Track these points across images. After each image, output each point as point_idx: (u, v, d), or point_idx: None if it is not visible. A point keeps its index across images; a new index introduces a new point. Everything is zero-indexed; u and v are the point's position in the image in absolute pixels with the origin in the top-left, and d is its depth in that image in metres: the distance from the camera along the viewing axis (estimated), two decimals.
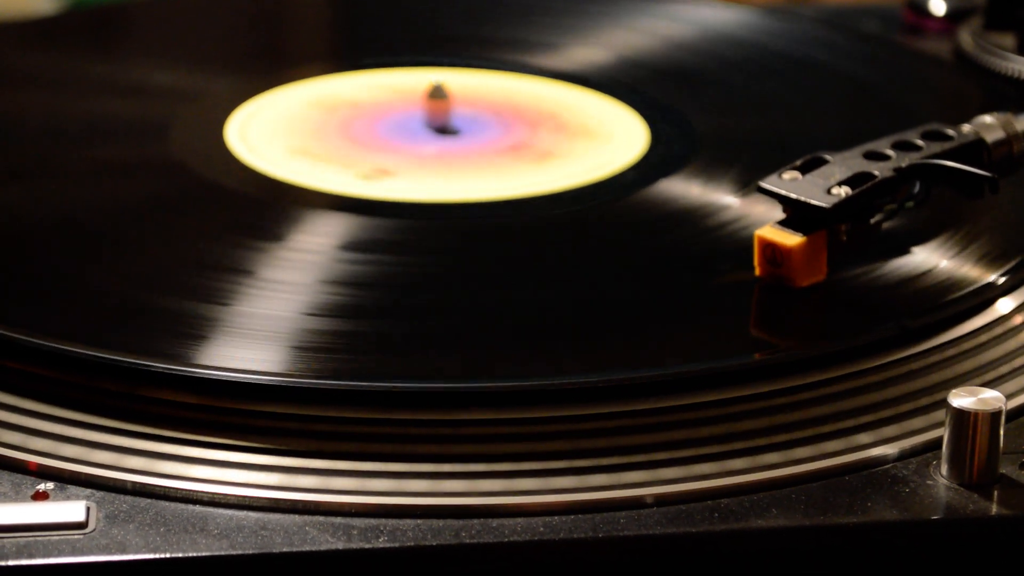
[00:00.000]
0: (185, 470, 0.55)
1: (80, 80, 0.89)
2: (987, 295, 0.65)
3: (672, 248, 0.70)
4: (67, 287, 0.65)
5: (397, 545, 0.52)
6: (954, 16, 1.02)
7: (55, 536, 0.52)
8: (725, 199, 0.74)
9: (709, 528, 0.53)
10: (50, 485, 0.54)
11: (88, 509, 0.53)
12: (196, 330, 0.61)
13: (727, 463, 0.56)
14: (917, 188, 0.67)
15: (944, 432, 0.55)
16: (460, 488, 0.54)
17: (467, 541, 0.52)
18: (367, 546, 0.52)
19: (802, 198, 0.64)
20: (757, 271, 0.65)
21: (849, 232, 0.65)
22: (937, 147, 0.68)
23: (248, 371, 0.58)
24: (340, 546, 0.52)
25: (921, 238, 0.69)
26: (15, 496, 0.54)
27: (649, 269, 0.68)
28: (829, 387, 0.59)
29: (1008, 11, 0.94)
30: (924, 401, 0.59)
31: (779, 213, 0.65)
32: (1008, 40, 0.93)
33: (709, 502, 0.54)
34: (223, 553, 0.51)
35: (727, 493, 0.54)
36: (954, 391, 0.55)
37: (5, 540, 0.51)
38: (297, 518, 0.53)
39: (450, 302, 0.65)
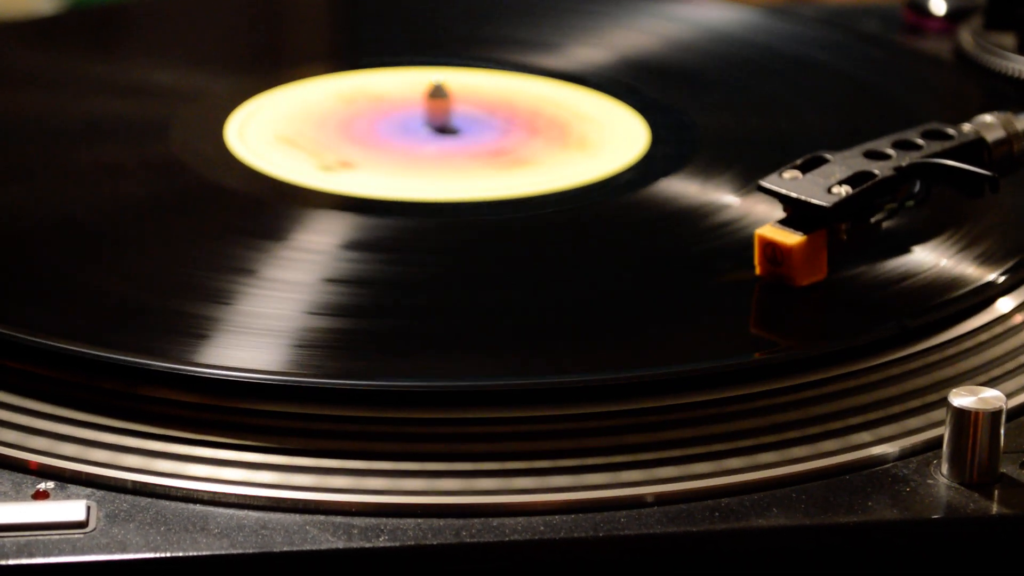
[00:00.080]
0: (185, 469, 0.55)
1: (80, 80, 0.89)
2: (987, 294, 0.65)
3: (672, 248, 0.70)
4: (67, 287, 0.65)
5: (397, 544, 0.52)
6: (954, 16, 1.02)
7: (55, 535, 0.52)
8: (725, 198, 0.74)
9: (709, 527, 0.53)
10: (50, 484, 0.54)
11: (88, 508, 0.53)
12: (196, 329, 0.61)
13: (728, 462, 0.56)
14: (917, 187, 0.67)
15: (944, 431, 0.55)
16: (460, 487, 0.54)
17: (467, 540, 0.52)
18: (367, 545, 0.52)
19: (802, 197, 0.64)
20: (757, 270, 0.65)
21: (849, 231, 0.65)
22: (937, 146, 0.68)
23: (248, 370, 0.58)
24: (340, 545, 0.52)
25: (921, 237, 0.69)
26: (15, 495, 0.54)
27: (649, 268, 0.68)
28: (830, 386, 0.59)
29: (1008, 11, 0.94)
30: (924, 400, 0.59)
31: (779, 212, 0.65)
32: (1008, 40, 0.93)
33: (710, 501, 0.54)
34: (223, 552, 0.51)
35: (728, 492, 0.54)
36: (954, 390, 0.55)
37: (5, 539, 0.51)
38: (298, 517, 0.53)
39: (450, 301, 0.65)
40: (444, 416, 0.57)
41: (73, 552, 0.51)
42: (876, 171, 0.65)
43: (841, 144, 0.68)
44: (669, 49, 0.95)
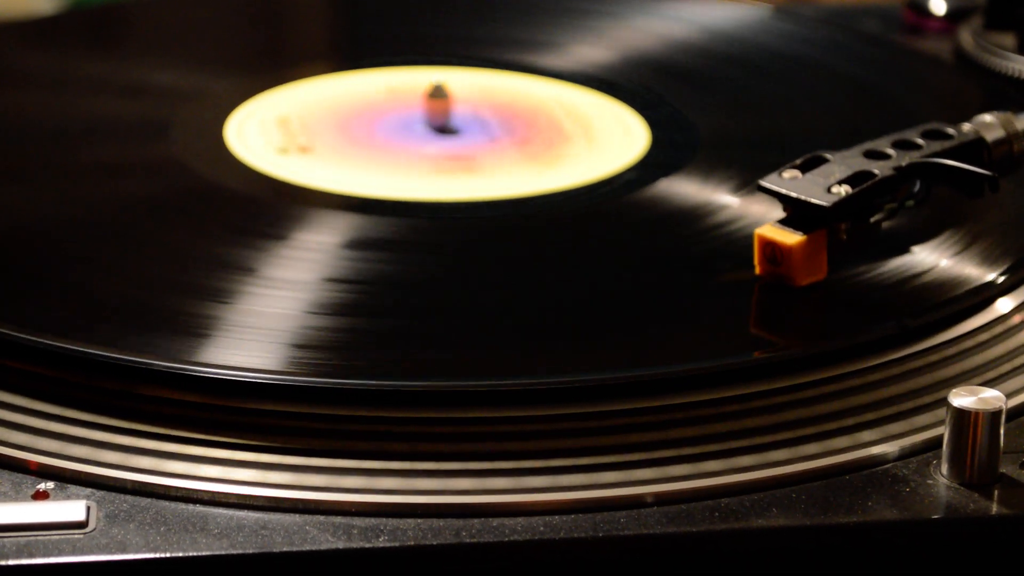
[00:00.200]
0: (186, 469, 0.55)
1: (80, 80, 0.89)
2: (987, 294, 0.65)
3: (672, 247, 0.70)
4: (67, 286, 0.65)
5: (397, 545, 0.52)
6: (954, 16, 1.02)
7: (55, 535, 0.52)
8: (725, 198, 0.74)
9: (710, 527, 0.53)
10: (50, 484, 0.54)
11: (88, 508, 0.53)
12: (196, 329, 0.61)
13: (728, 462, 0.56)
14: (917, 187, 0.67)
15: (944, 431, 0.55)
16: (461, 487, 0.54)
17: (467, 541, 0.52)
18: (367, 545, 0.52)
19: (802, 197, 0.64)
20: (757, 270, 0.65)
21: (849, 231, 0.65)
22: (937, 146, 0.68)
23: (248, 370, 0.58)
24: (341, 545, 0.52)
25: (921, 237, 0.69)
26: (15, 496, 0.54)
27: (649, 268, 0.68)
28: (829, 386, 0.59)
29: (1008, 10, 0.94)
30: (924, 400, 0.59)
31: (779, 212, 0.65)
32: (1008, 40, 0.93)
33: (709, 501, 0.54)
34: (223, 552, 0.51)
35: (728, 492, 0.54)
36: (954, 390, 0.55)
37: (5, 539, 0.51)
38: (298, 518, 0.53)
39: (450, 301, 0.65)
40: (444, 416, 0.57)
41: (73, 552, 0.51)
42: (876, 171, 0.65)
43: (841, 144, 0.68)
44: (669, 49, 0.95)
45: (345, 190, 0.75)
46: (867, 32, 1.03)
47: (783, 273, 0.64)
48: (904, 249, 0.68)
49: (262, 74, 0.90)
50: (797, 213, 0.64)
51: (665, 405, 0.58)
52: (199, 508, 0.53)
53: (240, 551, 0.51)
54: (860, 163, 0.66)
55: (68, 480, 0.54)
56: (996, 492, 0.55)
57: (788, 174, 0.65)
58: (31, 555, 0.51)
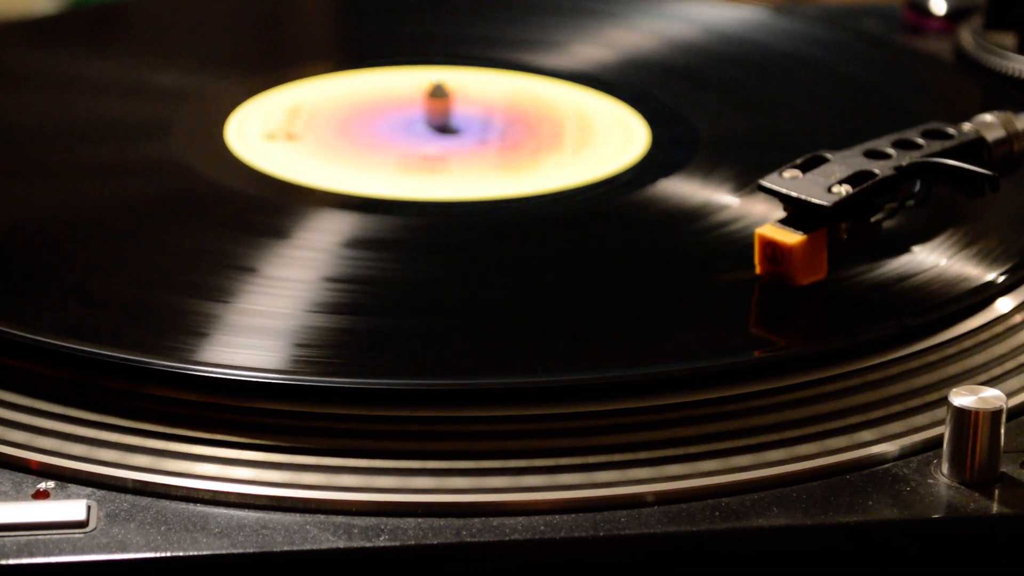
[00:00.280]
0: (186, 468, 0.55)
1: (80, 80, 0.89)
2: (987, 293, 0.65)
3: (672, 247, 0.70)
4: (67, 286, 0.65)
5: (398, 544, 0.52)
6: (955, 15, 1.02)
7: (56, 535, 0.52)
8: (725, 198, 0.74)
9: (710, 527, 0.53)
10: (51, 484, 0.54)
11: (89, 508, 0.53)
12: (197, 327, 0.61)
13: (728, 461, 0.56)
14: (918, 187, 0.67)
15: (945, 431, 0.55)
16: (461, 486, 0.54)
17: (468, 540, 0.52)
18: (368, 545, 0.52)
19: (803, 196, 0.64)
20: (758, 269, 0.65)
21: (850, 230, 0.65)
22: (938, 145, 0.68)
23: (250, 368, 0.58)
24: (341, 545, 0.52)
25: (921, 237, 0.69)
26: (16, 495, 0.54)
27: (649, 268, 0.68)
28: (829, 385, 0.59)
29: (1008, 10, 0.94)
30: (925, 400, 0.59)
31: (780, 212, 0.65)
32: (1008, 39, 0.93)
33: (710, 501, 0.54)
34: (224, 552, 0.51)
35: (728, 491, 0.54)
36: (955, 390, 0.55)
37: (6, 539, 0.51)
38: (298, 517, 0.53)
39: (450, 300, 0.65)
40: (444, 415, 0.57)
41: (73, 552, 0.51)
42: (876, 170, 0.65)
43: (841, 144, 0.68)
44: (669, 49, 0.95)
45: (345, 190, 0.75)
46: (867, 32, 1.03)
47: (783, 273, 0.64)
48: (904, 249, 0.68)
49: (262, 74, 0.90)
50: (797, 213, 0.64)
51: (666, 404, 0.58)
52: (199, 507, 0.53)
53: (240, 550, 0.51)
54: (860, 163, 0.66)
55: (68, 479, 0.54)
56: (997, 492, 0.54)
57: (788, 174, 0.65)
58: (31, 554, 0.51)
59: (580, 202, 0.74)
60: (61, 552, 0.51)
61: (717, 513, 0.53)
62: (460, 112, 0.84)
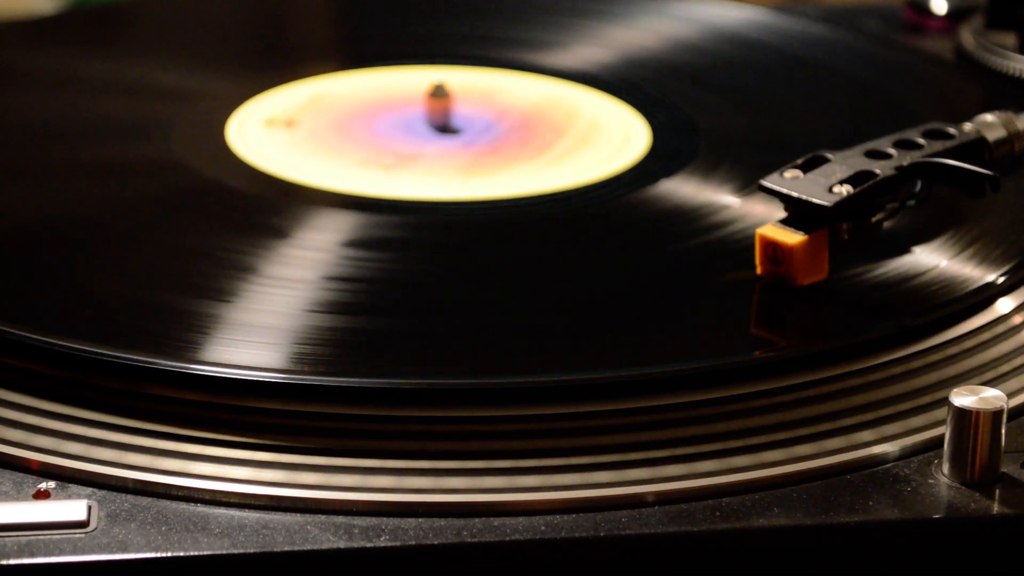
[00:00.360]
0: (186, 468, 0.55)
1: (80, 80, 0.89)
2: (988, 294, 0.65)
3: (673, 248, 0.70)
4: (67, 285, 0.65)
5: (398, 544, 0.52)
6: (955, 15, 1.02)
7: (56, 535, 0.52)
8: (726, 198, 0.74)
9: (711, 527, 0.53)
10: (51, 484, 0.54)
11: (89, 508, 0.53)
12: (198, 327, 0.61)
13: (729, 461, 0.56)
14: (918, 187, 0.67)
15: (945, 431, 0.55)
16: (461, 486, 0.54)
17: (468, 540, 0.52)
18: (369, 545, 0.52)
19: (803, 196, 0.64)
20: (758, 270, 0.65)
21: (850, 231, 0.65)
22: (939, 145, 0.68)
23: (251, 368, 0.58)
24: (342, 545, 0.52)
25: (922, 237, 0.69)
26: (16, 495, 0.54)
27: (650, 268, 0.68)
28: (830, 385, 0.59)
29: (1009, 10, 0.94)
30: (925, 400, 0.59)
31: (780, 212, 0.65)
32: (1009, 39, 0.93)
33: (711, 501, 0.54)
34: (224, 552, 0.51)
35: (729, 492, 0.54)
36: (955, 390, 0.55)
37: (6, 539, 0.51)
38: (299, 517, 0.53)
39: (451, 300, 0.65)
40: (444, 415, 0.57)
41: (74, 552, 0.51)
42: (877, 171, 0.65)
43: (842, 144, 0.68)
44: (670, 48, 0.95)
45: (345, 189, 0.75)
46: (868, 32, 1.03)
47: (784, 273, 0.64)
48: (905, 249, 0.68)
49: (263, 74, 0.90)
50: (798, 213, 0.64)
51: (667, 404, 0.58)
52: (200, 508, 0.53)
53: (241, 550, 0.51)
54: (861, 163, 0.66)
55: (69, 479, 0.54)
56: (997, 492, 0.54)
57: (789, 174, 0.65)
58: (32, 554, 0.51)
59: (580, 202, 0.74)
60: (62, 552, 0.51)
61: (718, 513, 0.53)
62: (460, 112, 0.84)
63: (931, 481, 0.55)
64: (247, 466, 0.55)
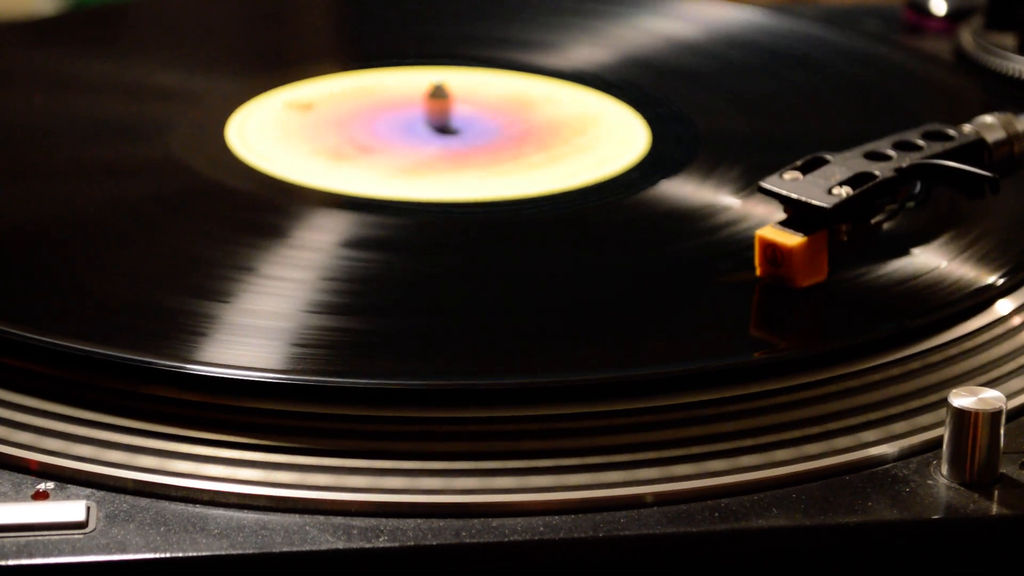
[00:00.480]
0: (185, 468, 0.55)
1: (80, 80, 0.89)
2: (987, 295, 0.65)
3: (672, 248, 0.70)
4: (67, 285, 0.65)
5: (397, 545, 0.52)
6: (955, 16, 1.02)
7: (55, 536, 0.52)
8: (726, 199, 0.74)
9: (710, 528, 0.53)
10: (50, 485, 0.54)
11: (88, 509, 0.53)
12: (198, 327, 0.61)
13: (729, 461, 0.56)
14: (918, 188, 0.67)
15: (944, 432, 0.55)
16: (461, 487, 0.54)
17: (467, 541, 0.52)
18: (367, 546, 0.52)
19: (803, 198, 0.64)
20: (758, 271, 0.65)
21: (850, 232, 0.65)
22: (938, 147, 0.68)
23: (249, 368, 0.58)
24: (340, 546, 0.52)
25: (922, 238, 0.69)
26: (15, 496, 0.54)
27: (649, 269, 0.68)
28: (829, 386, 0.59)
29: (1009, 11, 0.94)
30: (924, 401, 0.59)
31: (780, 213, 0.65)
32: (1009, 40, 0.93)
33: (709, 502, 0.54)
34: (223, 553, 0.51)
35: (728, 492, 0.54)
36: (954, 391, 0.55)
37: (5, 540, 0.51)
38: (297, 518, 0.53)
39: (450, 301, 0.65)
40: (444, 415, 0.57)
41: (73, 553, 0.51)
42: (876, 172, 0.65)
43: (841, 145, 0.68)
44: (670, 49, 0.95)
45: (344, 190, 0.75)
46: (867, 32, 1.03)
47: (784, 275, 0.64)
48: (904, 251, 0.68)
49: (263, 74, 0.90)
50: (798, 214, 0.64)
51: (665, 405, 0.58)
52: (199, 508, 0.53)
53: (240, 551, 0.51)
54: (861, 164, 0.66)
55: (68, 480, 0.54)
56: (996, 492, 0.55)
57: (789, 175, 0.65)
58: (31, 555, 0.51)
59: (580, 203, 0.74)
60: (60, 553, 0.51)
61: (717, 514, 0.54)
62: (460, 112, 0.84)
63: (930, 482, 0.55)
64: (246, 467, 0.55)
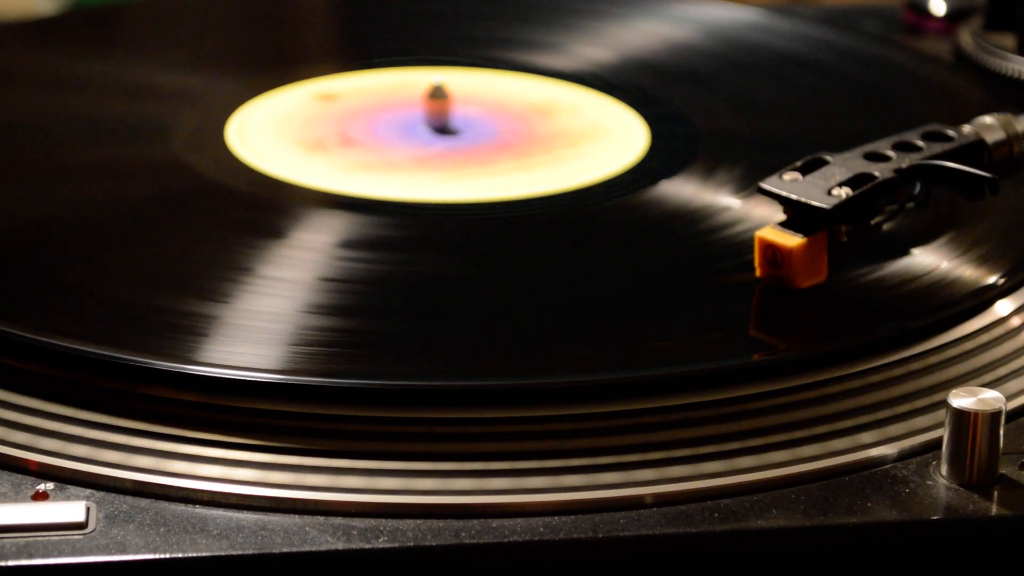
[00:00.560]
0: (185, 469, 0.55)
1: (80, 80, 0.89)
2: (987, 296, 0.65)
3: (672, 249, 0.70)
4: (66, 285, 0.65)
5: (397, 545, 0.52)
6: (954, 16, 1.02)
7: (55, 536, 0.52)
8: (725, 200, 0.74)
9: (709, 528, 0.53)
10: (50, 485, 0.54)
11: (88, 509, 0.53)
12: (197, 328, 0.61)
13: (729, 462, 0.56)
14: (917, 189, 0.67)
15: (944, 432, 0.55)
16: (460, 487, 0.54)
17: (467, 541, 0.52)
18: (367, 546, 0.52)
19: (802, 199, 0.64)
20: (757, 272, 0.65)
21: (850, 233, 0.65)
22: (937, 148, 0.68)
23: (248, 368, 0.58)
24: (340, 546, 0.52)
25: (921, 239, 0.69)
26: (15, 496, 0.54)
27: (649, 269, 0.68)
28: (829, 387, 0.59)
29: (1008, 11, 0.94)
30: (924, 401, 0.59)
31: (779, 214, 0.65)
32: (1008, 40, 0.93)
33: (709, 502, 0.54)
34: (223, 553, 0.51)
35: (727, 493, 0.54)
36: (954, 391, 0.55)
37: (5, 540, 0.51)
38: (297, 518, 0.53)
39: (449, 301, 0.65)
40: (443, 416, 0.57)
41: (73, 553, 0.51)
42: (876, 173, 0.65)
43: (841, 145, 0.68)
44: (669, 49, 0.95)
45: (344, 190, 0.75)
46: (867, 32, 1.03)
47: (783, 275, 0.64)
48: (904, 251, 0.68)
49: (263, 74, 0.90)
50: (797, 215, 0.64)
51: (665, 406, 0.58)
52: (198, 509, 0.53)
53: (240, 552, 0.51)
54: (860, 165, 0.66)
55: (68, 480, 0.54)
56: (996, 493, 0.55)
57: (788, 176, 0.65)
58: (31, 556, 0.51)
59: (580, 203, 0.74)
60: (60, 554, 0.51)
61: (716, 514, 0.54)
62: (459, 113, 0.84)
63: (929, 482, 0.55)
64: (246, 467, 0.55)
